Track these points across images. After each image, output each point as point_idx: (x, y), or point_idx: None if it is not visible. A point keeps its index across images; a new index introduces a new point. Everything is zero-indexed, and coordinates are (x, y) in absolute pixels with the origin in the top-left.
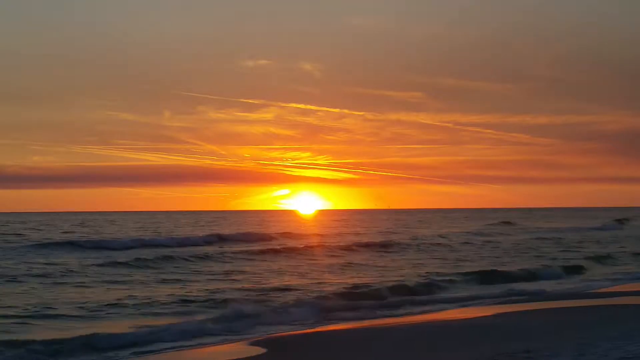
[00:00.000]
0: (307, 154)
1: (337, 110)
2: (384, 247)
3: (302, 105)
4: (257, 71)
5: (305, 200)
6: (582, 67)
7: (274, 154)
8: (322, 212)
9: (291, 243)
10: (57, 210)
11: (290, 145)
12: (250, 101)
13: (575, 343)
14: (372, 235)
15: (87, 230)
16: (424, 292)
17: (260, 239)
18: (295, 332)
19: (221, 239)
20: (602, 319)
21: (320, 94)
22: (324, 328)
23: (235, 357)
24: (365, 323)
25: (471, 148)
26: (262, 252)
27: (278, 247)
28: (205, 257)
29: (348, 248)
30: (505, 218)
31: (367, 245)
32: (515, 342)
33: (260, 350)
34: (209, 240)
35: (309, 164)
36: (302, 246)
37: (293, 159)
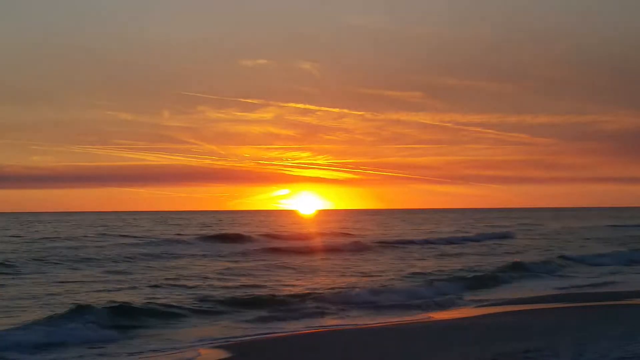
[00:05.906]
0: (307, 153)
1: (336, 110)
2: None
3: (301, 105)
4: (256, 71)
5: (305, 200)
6: (582, 67)
7: (274, 153)
8: (323, 212)
9: None
10: (57, 210)
11: (290, 145)
12: (249, 101)
13: (575, 343)
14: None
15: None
16: None
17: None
18: (263, 337)
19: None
20: (602, 319)
21: (319, 94)
22: (307, 331)
23: None
24: (360, 324)
25: (471, 148)
26: None
27: None
28: None
29: None
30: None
31: None
32: (515, 342)
33: (224, 355)
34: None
35: (308, 164)
36: None
37: (293, 159)
